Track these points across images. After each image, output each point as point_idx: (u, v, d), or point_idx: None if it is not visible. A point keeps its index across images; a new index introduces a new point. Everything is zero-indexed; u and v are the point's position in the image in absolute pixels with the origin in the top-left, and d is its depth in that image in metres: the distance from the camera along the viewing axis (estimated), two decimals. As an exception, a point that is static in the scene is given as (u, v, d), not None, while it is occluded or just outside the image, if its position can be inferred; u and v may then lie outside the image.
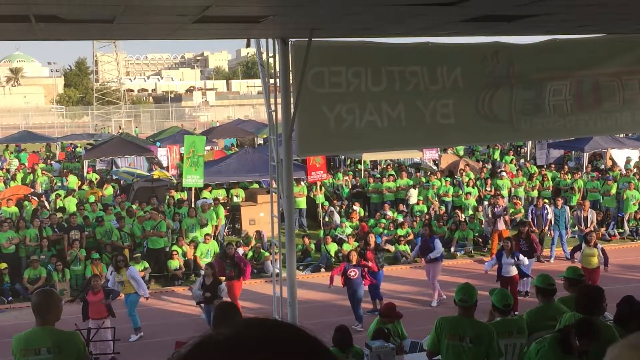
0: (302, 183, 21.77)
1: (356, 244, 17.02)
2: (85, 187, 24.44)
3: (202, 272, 14.02)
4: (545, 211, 18.92)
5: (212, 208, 19.72)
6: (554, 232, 18.81)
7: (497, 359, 6.88)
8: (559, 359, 5.94)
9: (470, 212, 21.57)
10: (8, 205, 20.54)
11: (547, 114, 10.32)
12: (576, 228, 19.41)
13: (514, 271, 13.91)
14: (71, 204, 21.79)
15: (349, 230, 19.53)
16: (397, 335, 9.73)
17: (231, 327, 1.10)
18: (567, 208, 19.50)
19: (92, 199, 22.05)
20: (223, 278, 13.54)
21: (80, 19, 6.99)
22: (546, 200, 20.48)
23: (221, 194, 22.47)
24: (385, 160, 28.30)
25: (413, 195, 22.86)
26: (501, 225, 18.34)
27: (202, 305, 13.19)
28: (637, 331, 1.29)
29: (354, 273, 13.45)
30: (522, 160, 31.55)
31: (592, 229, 18.61)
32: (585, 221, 18.76)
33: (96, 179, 26.92)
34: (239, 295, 14.03)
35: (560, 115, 10.40)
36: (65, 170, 30.32)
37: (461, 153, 32.60)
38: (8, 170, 31.24)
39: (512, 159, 29.65)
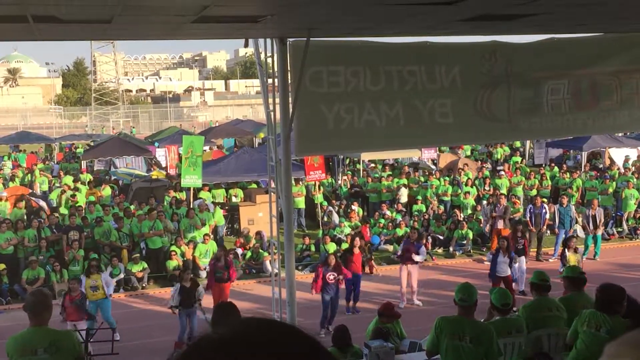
0: (300, 183, 21.78)
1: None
2: (81, 186, 24.39)
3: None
4: (544, 210, 18.91)
5: (208, 209, 19.73)
6: (559, 231, 18.81)
7: (497, 358, 6.88)
8: None
9: (469, 211, 21.58)
10: (18, 207, 20.55)
11: (545, 113, 10.32)
12: (577, 227, 19.42)
13: (508, 271, 14.07)
14: (80, 198, 21.84)
15: (347, 230, 19.53)
16: (396, 335, 9.73)
17: (229, 327, 1.09)
18: (573, 207, 19.51)
19: (91, 198, 22.05)
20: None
21: (78, 19, 6.98)
22: (544, 200, 20.48)
23: (220, 194, 22.46)
24: (380, 160, 28.34)
25: (403, 194, 22.91)
26: (501, 225, 18.35)
27: (178, 310, 12.91)
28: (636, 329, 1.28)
29: (332, 277, 13.26)
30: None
31: (602, 230, 18.73)
32: (594, 220, 18.63)
33: (90, 179, 26.81)
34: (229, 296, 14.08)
35: (559, 114, 10.41)
36: (62, 171, 30.29)
37: (468, 153, 32.55)
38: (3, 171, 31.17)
39: (521, 160, 29.63)
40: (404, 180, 23.63)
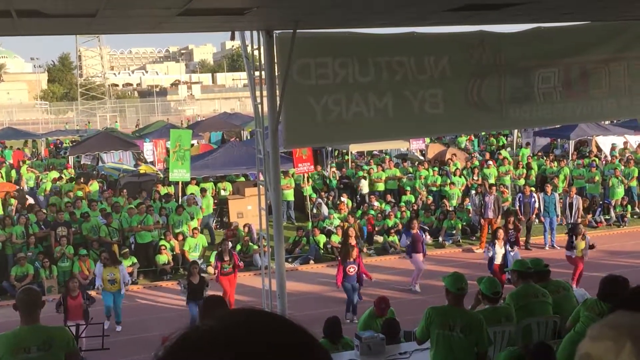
0: (289, 175, 21.74)
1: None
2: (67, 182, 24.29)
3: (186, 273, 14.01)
4: (533, 199, 18.98)
5: (196, 203, 19.72)
6: (545, 219, 18.90)
7: (487, 347, 6.91)
8: None
9: (454, 202, 21.58)
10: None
11: (537, 102, 10.35)
12: (561, 215, 19.49)
13: (500, 259, 14.33)
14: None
15: (337, 222, 19.54)
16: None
17: (218, 319, 1.09)
18: (557, 195, 19.61)
19: (78, 193, 21.93)
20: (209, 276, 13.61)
21: (63, 14, 6.92)
22: (533, 189, 20.57)
23: (208, 187, 22.40)
24: (368, 152, 28.40)
25: (364, 186, 23.05)
26: (490, 214, 18.43)
27: (187, 302, 13.17)
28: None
29: (353, 269, 13.53)
30: (508, 149, 31.65)
31: (580, 217, 18.72)
32: (570, 207, 18.74)
33: (72, 175, 26.65)
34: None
35: (550, 102, 10.44)
36: (49, 166, 30.12)
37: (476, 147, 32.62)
38: None
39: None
40: (397, 171, 23.66)
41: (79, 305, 12.18)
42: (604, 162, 25.67)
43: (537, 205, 18.96)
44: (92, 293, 14.78)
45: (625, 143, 27.97)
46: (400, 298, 14.59)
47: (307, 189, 21.90)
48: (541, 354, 6.20)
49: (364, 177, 23.45)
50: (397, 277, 16.49)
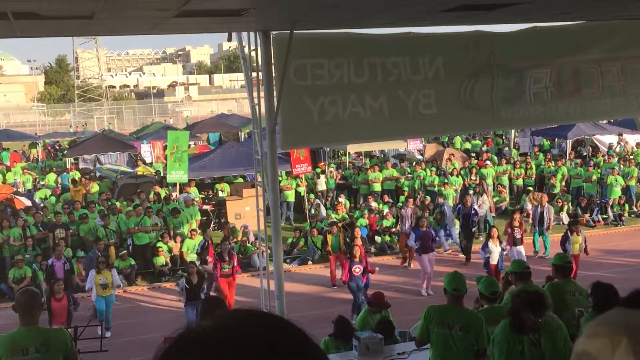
0: (290, 176, 21.75)
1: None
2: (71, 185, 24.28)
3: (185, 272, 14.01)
4: (473, 211, 17.92)
5: (194, 204, 19.72)
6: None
7: (487, 345, 6.91)
8: (512, 342, 6.05)
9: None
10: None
11: (527, 102, 10.37)
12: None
13: (496, 259, 14.39)
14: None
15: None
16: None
17: (215, 320, 1.09)
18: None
19: (68, 197, 21.90)
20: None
21: (60, 15, 6.93)
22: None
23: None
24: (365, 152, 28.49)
25: (321, 184, 23.30)
26: (406, 227, 17.56)
27: (184, 304, 13.15)
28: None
29: (358, 269, 13.61)
30: (506, 149, 31.66)
31: (550, 226, 17.72)
32: (541, 217, 17.48)
33: (78, 177, 26.67)
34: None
35: (541, 103, 10.46)
36: (47, 168, 30.09)
37: (463, 145, 32.59)
38: None
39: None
40: (394, 171, 23.65)
41: (63, 307, 12.15)
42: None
43: (475, 218, 17.97)
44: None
45: (622, 140, 27.91)
46: (399, 298, 14.60)
47: (304, 190, 21.90)
48: (534, 298, 6.20)
49: (317, 176, 23.56)
50: (395, 277, 16.50)
